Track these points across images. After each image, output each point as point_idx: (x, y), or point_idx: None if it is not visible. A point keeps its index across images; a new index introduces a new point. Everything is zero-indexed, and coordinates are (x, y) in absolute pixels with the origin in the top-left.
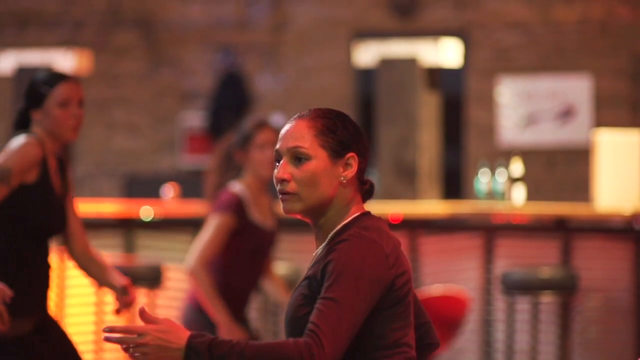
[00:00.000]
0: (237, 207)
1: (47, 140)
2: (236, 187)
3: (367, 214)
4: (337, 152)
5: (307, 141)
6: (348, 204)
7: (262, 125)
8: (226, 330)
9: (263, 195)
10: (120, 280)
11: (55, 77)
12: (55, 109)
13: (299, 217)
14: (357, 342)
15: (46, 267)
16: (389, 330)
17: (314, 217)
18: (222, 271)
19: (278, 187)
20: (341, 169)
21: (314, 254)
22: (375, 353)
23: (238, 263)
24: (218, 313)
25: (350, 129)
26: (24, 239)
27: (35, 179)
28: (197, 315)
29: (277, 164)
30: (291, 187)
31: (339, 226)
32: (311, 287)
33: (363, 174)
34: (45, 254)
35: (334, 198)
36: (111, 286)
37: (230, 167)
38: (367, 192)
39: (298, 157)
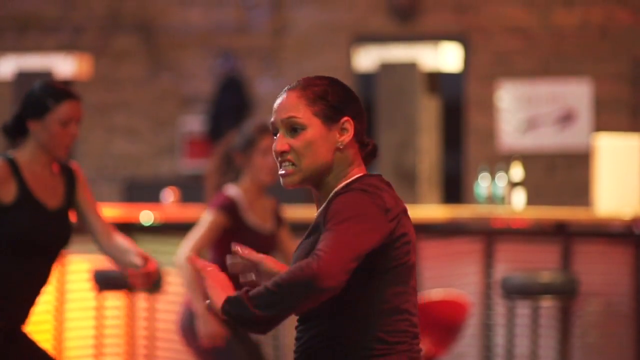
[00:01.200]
0: (230, 208)
1: (37, 153)
2: (232, 190)
3: (367, 174)
4: (331, 118)
5: (300, 111)
6: (347, 167)
7: (266, 130)
8: (203, 321)
9: (262, 198)
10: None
11: (63, 94)
12: (56, 126)
13: (298, 187)
14: (359, 308)
15: (31, 281)
16: (391, 294)
17: (314, 184)
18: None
19: (278, 160)
20: (337, 135)
21: (315, 216)
22: (378, 319)
23: None
24: (196, 302)
25: (342, 93)
26: (3, 255)
27: (12, 198)
28: (193, 320)
29: (275, 137)
30: (290, 157)
31: (339, 186)
32: (317, 237)
33: (362, 135)
34: (35, 271)
35: (333, 164)
36: (131, 266)
37: (230, 169)
38: (369, 153)
39: (294, 128)
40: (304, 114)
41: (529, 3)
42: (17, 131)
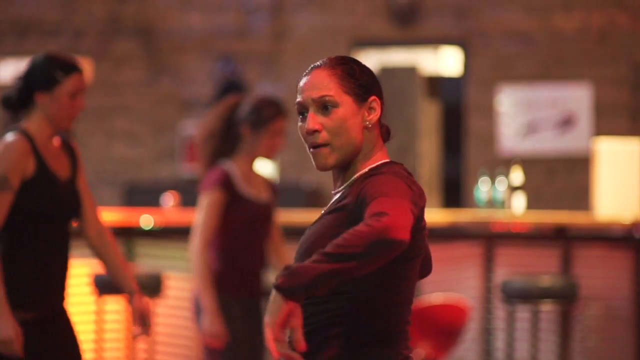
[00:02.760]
0: (225, 182)
1: (43, 126)
2: (226, 165)
3: (392, 162)
4: (360, 96)
5: (332, 89)
6: (372, 149)
7: (281, 112)
8: (209, 318)
9: (255, 170)
10: (131, 285)
11: (72, 67)
12: (65, 98)
13: (330, 170)
14: (375, 294)
15: (60, 257)
16: (404, 286)
17: (345, 165)
18: (223, 252)
19: (309, 141)
20: (366, 113)
21: (332, 192)
22: (389, 307)
23: (237, 240)
24: (205, 298)
25: (368, 72)
26: (34, 231)
27: (32, 171)
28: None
29: (301, 117)
30: (323, 137)
31: (366, 169)
32: (347, 212)
33: (381, 117)
34: (58, 243)
35: (362, 143)
36: (122, 287)
37: (231, 134)
38: (385, 134)
39: (325, 106)
40: (335, 91)
41: (529, 7)
42: (21, 103)
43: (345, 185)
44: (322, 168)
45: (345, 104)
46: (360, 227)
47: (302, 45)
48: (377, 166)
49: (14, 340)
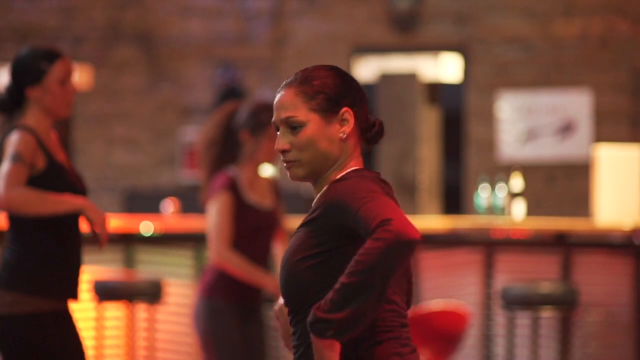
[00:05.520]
0: (232, 187)
1: (41, 119)
2: (231, 171)
3: (361, 169)
4: (329, 111)
5: (298, 109)
6: (346, 159)
7: None
8: (273, 285)
9: (260, 175)
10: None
11: (54, 53)
12: (55, 86)
13: (304, 180)
14: None
15: (76, 246)
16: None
17: (318, 176)
18: None
19: (281, 158)
20: (338, 126)
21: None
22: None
23: (239, 247)
24: (263, 280)
25: (338, 83)
26: (41, 223)
27: (43, 164)
28: (207, 306)
29: (277, 133)
30: (292, 155)
31: (337, 176)
32: (315, 225)
33: (365, 120)
34: (74, 232)
35: (337, 155)
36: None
37: (231, 141)
38: (376, 133)
39: (293, 126)
40: (301, 111)
41: (529, 14)
42: (14, 103)
43: (318, 196)
44: (295, 179)
45: (312, 123)
46: (372, 244)
47: (302, 52)
48: (345, 175)
49: (89, 206)
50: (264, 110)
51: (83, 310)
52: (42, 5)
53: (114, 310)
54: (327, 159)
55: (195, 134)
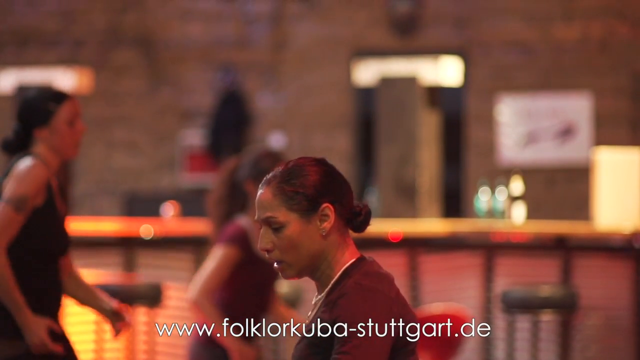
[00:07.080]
0: (243, 240)
1: (50, 159)
2: (242, 220)
3: (361, 259)
4: (308, 210)
5: (276, 209)
6: (337, 251)
7: (280, 159)
8: (238, 354)
9: None
10: (110, 303)
11: (61, 95)
12: (64, 126)
13: (298, 278)
14: None
15: (57, 288)
16: None
17: (310, 274)
18: (227, 307)
19: (266, 257)
20: (318, 223)
21: (313, 300)
22: None
23: (243, 297)
24: (227, 338)
25: (315, 179)
26: (35, 262)
27: (42, 201)
28: (203, 352)
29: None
30: (275, 255)
31: (336, 276)
32: (321, 333)
33: (349, 211)
34: (56, 274)
35: (321, 251)
36: (102, 310)
37: (237, 196)
38: (361, 222)
39: (274, 227)
40: (280, 212)
41: (529, 17)
42: (20, 144)
43: (321, 296)
44: (287, 279)
45: (292, 222)
46: None
47: (302, 56)
48: (345, 271)
49: (46, 342)
50: (264, 157)
51: (82, 314)
52: (42, 9)
53: None
54: (313, 257)
55: (195, 137)
